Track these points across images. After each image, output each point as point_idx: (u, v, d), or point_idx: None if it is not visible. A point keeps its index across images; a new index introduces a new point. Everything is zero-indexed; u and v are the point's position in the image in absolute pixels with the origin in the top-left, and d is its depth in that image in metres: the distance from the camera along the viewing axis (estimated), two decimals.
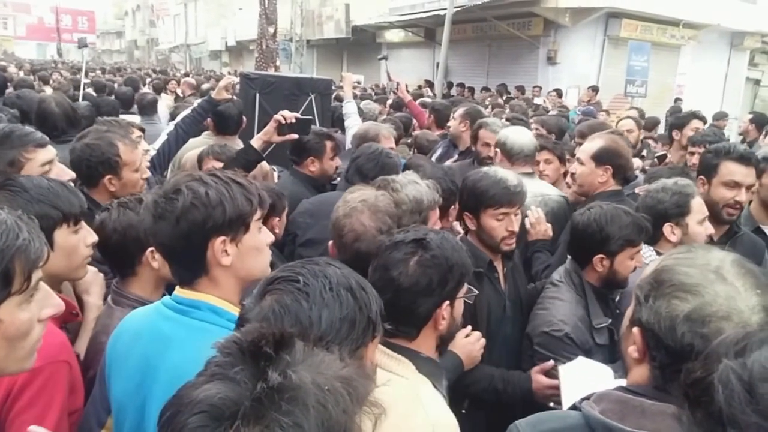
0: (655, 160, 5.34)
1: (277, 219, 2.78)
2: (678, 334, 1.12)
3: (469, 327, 2.19)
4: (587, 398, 1.22)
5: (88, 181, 2.61)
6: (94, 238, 1.85)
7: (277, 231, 2.75)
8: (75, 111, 3.94)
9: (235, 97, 3.72)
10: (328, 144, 3.54)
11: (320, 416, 0.73)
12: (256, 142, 3.14)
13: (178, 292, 1.53)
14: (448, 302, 1.62)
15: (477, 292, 1.84)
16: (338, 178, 3.71)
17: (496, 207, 2.45)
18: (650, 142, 7.18)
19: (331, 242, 2.18)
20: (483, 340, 2.20)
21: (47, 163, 2.31)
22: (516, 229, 2.50)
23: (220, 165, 3.16)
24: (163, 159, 3.48)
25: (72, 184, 2.40)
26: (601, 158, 3.16)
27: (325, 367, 0.79)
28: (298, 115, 3.23)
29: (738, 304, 1.11)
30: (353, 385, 0.79)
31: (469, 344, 2.15)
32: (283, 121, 3.13)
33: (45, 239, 1.13)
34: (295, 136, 3.20)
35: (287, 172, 3.76)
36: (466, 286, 1.71)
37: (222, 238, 1.48)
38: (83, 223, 1.82)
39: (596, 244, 2.37)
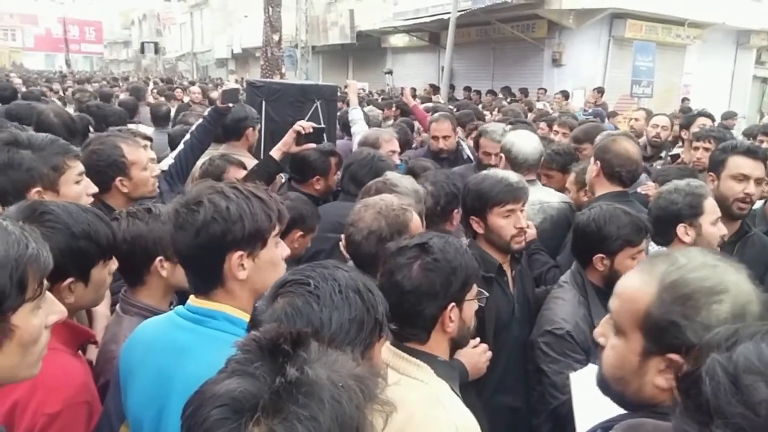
0: (668, 159, 5.31)
1: (300, 234, 2.77)
2: None
3: (478, 339, 2.20)
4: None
5: (100, 186, 2.65)
6: (116, 265, 1.86)
7: (296, 246, 2.74)
8: (74, 121, 3.99)
9: (231, 105, 3.70)
10: (333, 161, 3.54)
11: (335, 410, 0.77)
12: (275, 153, 3.18)
13: (193, 301, 1.55)
14: (453, 304, 1.65)
15: (488, 294, 1.87)
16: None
17: (501, 205, 2.49)
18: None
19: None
20: (489, 353, 2.21)
21: (81, 173, 2.39)
22: (524, 225, 2.53)
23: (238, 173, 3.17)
24: (180, 168, 3.46)
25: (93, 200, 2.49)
26: (596, 154, 3.21)
27: (339, 366, 0.83)
28: (315, 124, 3.28)
29: (748, 287, 1.14)
30: (365, 383, 0.83)
31: (476, 355, 2.17)
32: (303, 132, 3.18)
33: (49, 250, 1.16)
34: (313, 145, 3.24)
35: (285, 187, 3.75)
36: (476, 289, 1.74)
37: (239, 252, 1.50)
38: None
39: (595, 244, 2.39)
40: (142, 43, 9.97)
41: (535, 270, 3.00)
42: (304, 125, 3.20)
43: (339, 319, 1.14)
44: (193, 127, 3.70)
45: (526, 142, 3.50)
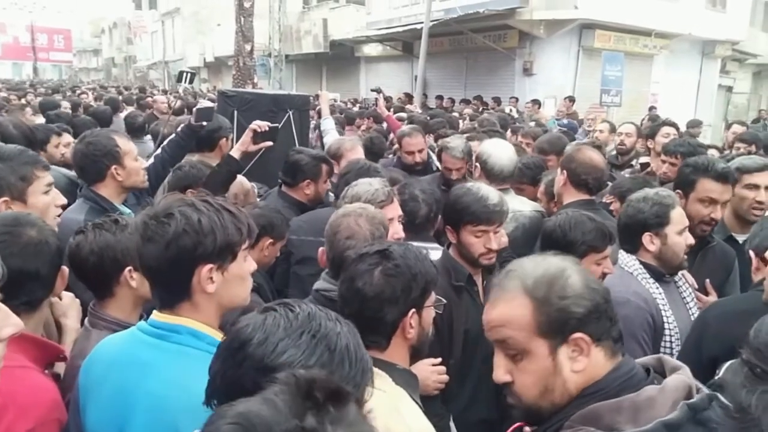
0: (639, 167, 5.40)
1: (270, 241, 2.79)
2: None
3: (439, 359, 2.21)
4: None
5: (95, 175, 2.82)
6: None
7: (266, 254, 2.80)
8: (33, 132, 3.97)
9: (205, 123, 3.71)
10: (324, 167, 3.57)
11: None
12: (235, 152, 3.21)
13: (156, 316, 1.52)
14: (414, 310, 1.65)
15: (445, 301, 1.87)
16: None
17: (474, 224, 2.49)
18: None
19: (321, 249, 2.25)
20: (445, 377, 2.20)
21: (49, 184, 2.41)
22: (494, 246, 2.52)
23: None
24: (149, 183, 3.40)
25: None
26: (562, 164, 3.29)
27: None
28: (270, 123, 3.33)
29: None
30: None
31: (427, 371, 2.14)
32: (259, 130, 3.22)
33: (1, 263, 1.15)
34: (270, 143, 3.29)
35: (274, 192, 3.75)
36: (434, 296, 1.74)
37: (209, 266, 1.48)
38: None
39: (561, 249, 2.39)
40: (180, 72, 9.64)
41: None
42: (260, 124, 3.25)
43: (292, 358, 1.07)
44: (165, 142, 3.68)
45: (502, 154, 3.51)
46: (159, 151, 3.60)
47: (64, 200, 2.48)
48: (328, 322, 1.14)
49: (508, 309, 1.32)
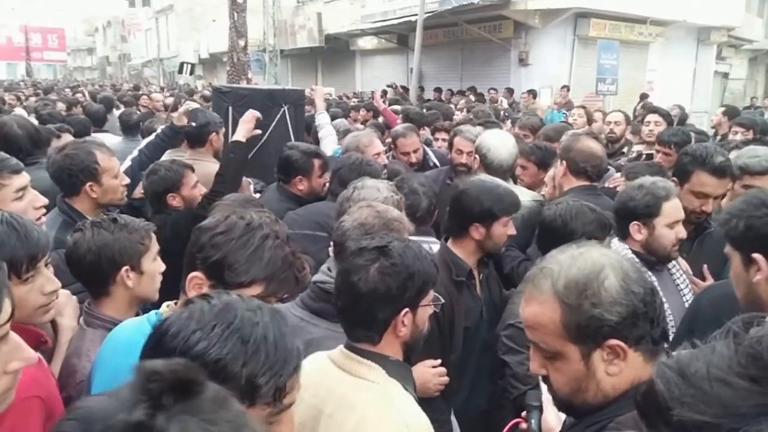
0: (644, 155, 5.37)
1: None
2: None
3: (439, 360, 2.22)
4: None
5: (70, 189, 2.72)
6: (54, 286, 1.73)
7: None
8: (39, 132, 3.91)
9: (193, 123, 3.74)
10: (316, 162, 3.50)
11: None
12: (241, 137, 3.23)
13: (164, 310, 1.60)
14: (407, 309, 1.62)
15: (443, 300, 1.85)
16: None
17: (508, 215, 2.57)
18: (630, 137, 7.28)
19: None
20: (445, 378, 2.22)
21: (21, 189, 2.30)
22: (514, 232, 2.63)
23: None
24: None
25: (44, 210, 2.43)
26: (561, 154, 3.31)
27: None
28: (257, 113, 3.41)
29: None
30: None
31: (428, 373, 2.16)
32: (260, 117, 3.34)
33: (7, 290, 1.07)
34: (259, 131, 3.42)
35: (272, 186, 3.74)
36: (432, 294, 1.72)
37: (197, 273, 1.59)
38: (42, 269, 1.67)
39: (560, 239, 2.39)
40: (181, 64, 9.63)
41: (507, 265, 3.03)
42: (255, 113, 3.33)
43: (203, 349, 1.05)
44: (143, 145, 3.65)
45: (502, 148, 3.50)
46: (136, 153, 3.55)
47: (44, 201, 2.40)
48: (246, 313, 1.11)
49: (539, 311, 1.29)
